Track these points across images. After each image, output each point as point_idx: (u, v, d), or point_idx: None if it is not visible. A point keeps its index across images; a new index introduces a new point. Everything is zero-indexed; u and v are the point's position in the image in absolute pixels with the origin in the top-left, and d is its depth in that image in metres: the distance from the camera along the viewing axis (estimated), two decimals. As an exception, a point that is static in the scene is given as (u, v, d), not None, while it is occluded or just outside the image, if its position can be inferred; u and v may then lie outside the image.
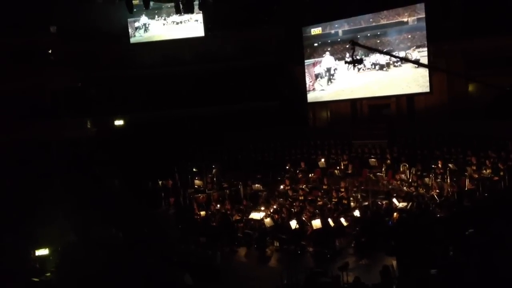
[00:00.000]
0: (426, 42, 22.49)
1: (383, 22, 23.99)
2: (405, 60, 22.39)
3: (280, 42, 28.79)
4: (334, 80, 25.69)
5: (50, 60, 27.32)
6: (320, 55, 26.24)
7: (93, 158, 25.47)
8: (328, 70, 25.60)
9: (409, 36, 23.07)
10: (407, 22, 23.05)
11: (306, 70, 26.77)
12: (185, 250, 16.29)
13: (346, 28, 25.26)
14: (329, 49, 25.86)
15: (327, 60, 25.54)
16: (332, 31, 25.79)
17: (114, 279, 12.52)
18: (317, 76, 26.35)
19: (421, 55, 22.71)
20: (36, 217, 17.22)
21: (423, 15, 22.61)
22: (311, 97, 26.80)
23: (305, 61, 26.73)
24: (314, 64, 26.45)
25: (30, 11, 24.37)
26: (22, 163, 21.83)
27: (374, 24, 24.37)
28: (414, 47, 22.93)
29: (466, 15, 23.39)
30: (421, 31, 22.65)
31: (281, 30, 28.51)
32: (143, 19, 29.56)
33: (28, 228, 16.42)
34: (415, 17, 22.81)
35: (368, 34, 24.25)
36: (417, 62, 21.75)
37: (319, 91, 26.34)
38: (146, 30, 29.71)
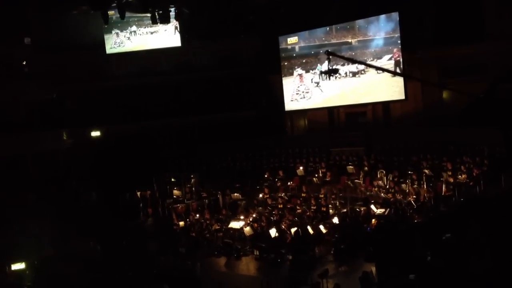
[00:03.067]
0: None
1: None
2: (382, 69, 22.60)
3: (257, 52, 28.92)
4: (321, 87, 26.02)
5: (24, 72, 27.03)
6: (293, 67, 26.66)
7: (69, 170, 25.22)
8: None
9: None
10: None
11: (293, 79, 26.77)
12: (165, 262, 16.16)
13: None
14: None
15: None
16: (294, 46, 26.67)
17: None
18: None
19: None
20: (12, 230, 16.96)
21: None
22: (294, 106, 26.93)
23: (296, 69, 26.73)
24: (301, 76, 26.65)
25: (4, 22, 24.09)
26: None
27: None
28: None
29: (439, 24, 23.84)
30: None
31: (258, 40, 28.61)
32: (118, 30, 29.24)
33: (3, 242, 16.16)
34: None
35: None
36: (394, 72, 21.98)
37: (305, 99, 26.53)
38: (122, 41, 29.39)
